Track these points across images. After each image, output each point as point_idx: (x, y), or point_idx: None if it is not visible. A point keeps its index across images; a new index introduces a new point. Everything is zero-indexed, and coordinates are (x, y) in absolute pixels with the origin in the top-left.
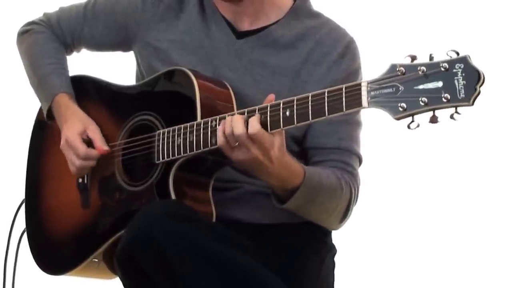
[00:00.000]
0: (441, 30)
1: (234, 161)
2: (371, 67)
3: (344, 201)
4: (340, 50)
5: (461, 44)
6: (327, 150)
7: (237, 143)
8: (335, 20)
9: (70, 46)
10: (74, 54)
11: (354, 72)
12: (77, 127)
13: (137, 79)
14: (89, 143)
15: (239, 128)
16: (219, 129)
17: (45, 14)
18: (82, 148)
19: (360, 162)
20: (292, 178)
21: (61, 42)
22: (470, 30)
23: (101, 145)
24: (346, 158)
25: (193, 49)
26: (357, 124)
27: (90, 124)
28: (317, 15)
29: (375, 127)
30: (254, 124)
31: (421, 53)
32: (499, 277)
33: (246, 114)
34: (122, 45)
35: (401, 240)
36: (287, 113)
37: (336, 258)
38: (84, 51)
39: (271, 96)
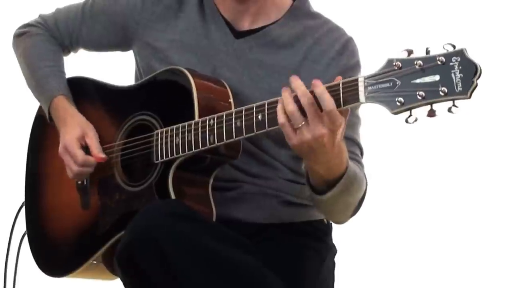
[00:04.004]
0: (437, 24)
1: (294, 146)
2: (368, 62)
3: (362, 192)
4: (339, 48)
5: (458, 37)
6: None
7: (302, 123)
8: (331, 14)
9: (68, 47)
10: (72, 55)
11: (352, 67)
12: (75, 132)
13: (136, 79)
14: (87, 149)
15: (306, 97)
16: (279, 108)
17: (41, 16)
18: (80, 154)
19: (362, 153)
20: (339, 167)
21: (58, 43)
22: (466, 23)
23: (98, 153)
24: (352, 148)
25: (192, 48)
26: (356, 117)
27: (89, 130)
28: (316, 16)
29: (372, 122)
30: (328, 97)
31: (418, 47)
32: (499, 277)
33: (243, 112)
34: (120, 45)
35: (401, 240)
36: None
37: (336, 258)
38: (81, 52)
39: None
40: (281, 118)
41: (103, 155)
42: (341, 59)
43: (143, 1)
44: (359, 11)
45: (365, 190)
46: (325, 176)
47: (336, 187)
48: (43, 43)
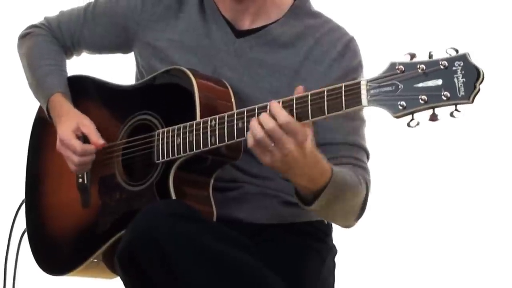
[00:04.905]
0: (440, 28)
1: (268, 164)
2: (370, 66)
3: (361, 197)
4: (340, 48)
5: (460, 41)
6: (335, 146)
7: (272, 145)
8: (334, 18)
9: (70, 49)
10: (74, 58)
11: (354, 69)
12: (69, 125)
13: (136, 80)
14: (84, 139)
15: (270, 123)
16: (249, 133)
17: (45, 18)
18: (78, 144)
19: (368, 157)
20: (322, 176)
21: (61, 45)
22: (469, 27)
23: (96, 139)
24: (356, 154)
25: (193, 48)
26: (361, 120)
27: (83, 119)
28: (317, 15)
29: (375, 125)
30: (283, 113)
31: (420, 51)
32: (499, 277)
33: (245, 113)
34: (122, 47)
35: (401, 240)
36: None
37: (336, 259)
38: (84, 54)
39: (300, 88)
40: (250, 142)
41: (102, 141)
42: (343, 60)
43: (143, 2)
44: (361, 16)
45: (366, 194)
46: (310, 187)
47: (322, 196)
48: (45, 43)
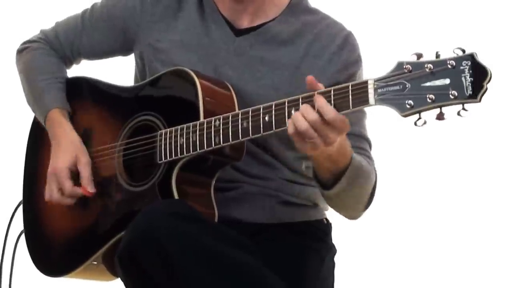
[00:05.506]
0: (447, 28)
1: (306, 151)
2: (376, 66)
3: (372, 185)
4: (339, 42)
5: (468, 41)
6: None
7: (315, 135)
8: (341, 18)
9: (70, 58)
10: (74, 67)
11: (354, 62)
12: (67, 159)
13: (136, 81)
14: (77, 175)
15: (312, 115)
16: (290, 122)
17: (42, 31)
18: (68, 186)
19: (370, 147)
20: (345, 158)
21: (59, 56)
22: (476, 27)
23: (87, 185)
24: (360, 144)
25: (193, 48)
26: (362, 112)
27: (82, 155)
28: (314, 11)
29: (379, 124)
30: (329, 109)
31: (427, 51)
32: (499, 277)
33: (250, 113)
34: (122, 49)
35: (401, 240)
36: (293, 111)
37: (336, 258)
38: (83, 62)
39: (311, 77)
40: (290, 130)
41: (92, 189)
42: (342, 54)
43: (142, 3)
44: (367, 15)
45: (375, 183)
46: (332, 169)
47: (344, 178)
48: (42, 56)
